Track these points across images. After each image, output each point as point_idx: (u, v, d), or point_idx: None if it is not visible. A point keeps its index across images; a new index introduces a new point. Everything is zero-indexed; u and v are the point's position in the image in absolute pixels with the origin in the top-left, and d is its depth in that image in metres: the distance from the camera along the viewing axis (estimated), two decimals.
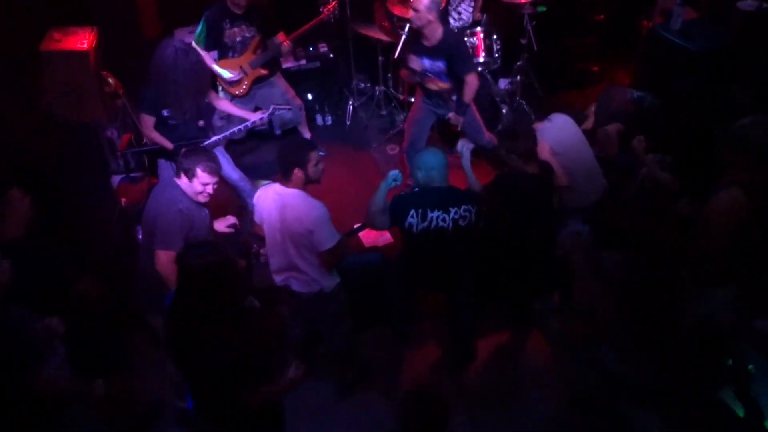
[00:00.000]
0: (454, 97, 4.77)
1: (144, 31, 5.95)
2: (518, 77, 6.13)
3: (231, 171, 4.76)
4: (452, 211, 3.57)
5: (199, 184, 3.44)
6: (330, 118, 6.34)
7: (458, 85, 4.68)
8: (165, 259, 3.38)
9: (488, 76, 5.88)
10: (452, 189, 3.68)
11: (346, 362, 4.02)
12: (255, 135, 5.95)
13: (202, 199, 3.52)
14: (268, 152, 5.91)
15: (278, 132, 5.91)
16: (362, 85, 6.48)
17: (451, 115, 4.78)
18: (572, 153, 4.24)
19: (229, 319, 2.63)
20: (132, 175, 5.30)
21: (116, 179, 5.24)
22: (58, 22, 5.04)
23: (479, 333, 4.28)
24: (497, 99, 5.80)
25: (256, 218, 3.62)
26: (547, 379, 4.05)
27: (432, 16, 4.42)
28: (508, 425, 3.82)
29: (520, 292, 4.29)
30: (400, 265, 3.91)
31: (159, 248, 3.41)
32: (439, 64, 4.61)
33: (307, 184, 3.49)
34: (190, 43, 4.46)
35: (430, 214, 3.57)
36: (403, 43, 4.79)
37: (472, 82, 4.64)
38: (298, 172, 3.41)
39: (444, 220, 3.58)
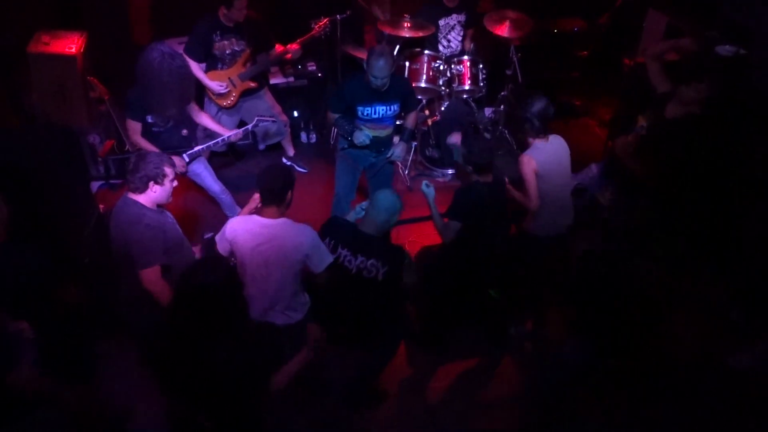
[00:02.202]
0: (395, 139, 4.70)
1: (135, 38, 5.98)
2: (502, 107, 6.24)
3: (212, 183, 4.75)
4: (359, 258, 3.53)
5: (169, 182, 3.42)
6: (314, 136, 6.38)
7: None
8: (151, 276, 3.33)
9: (473, 104, 5.98)
10: (373, 239, 3.59)
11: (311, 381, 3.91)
12: (237, 150, 5.96)
13: (169, 198, 3.49)
14: (251, 166, 5.92)
15: (261, 147, 5.93)
16: None
17: (398, 151, 4.63)
18: (553, 179, 4.24)
19: (236, 330, 2.62)
20: (112, 181, 5.27)
21: (95, 185, 5.20)
22: (49, 24, 5.05)
23: (452, 356, 4.32)
24: (480, 127, 5.87)
25: (223, 251, 3.49)
26: (519, 403, 4.07)
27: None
28: None
29: (494, 315, 4.33)
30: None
31: (142, 269, 3.33)
32: (394, 107, 4.45)
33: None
34: (176, 50, 4.48)
35: (340, 250, 3.57)
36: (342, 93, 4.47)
37: (416, 112, 4.70)
38: (289, 195, 3.44)
39: (350, 262, 3.55)
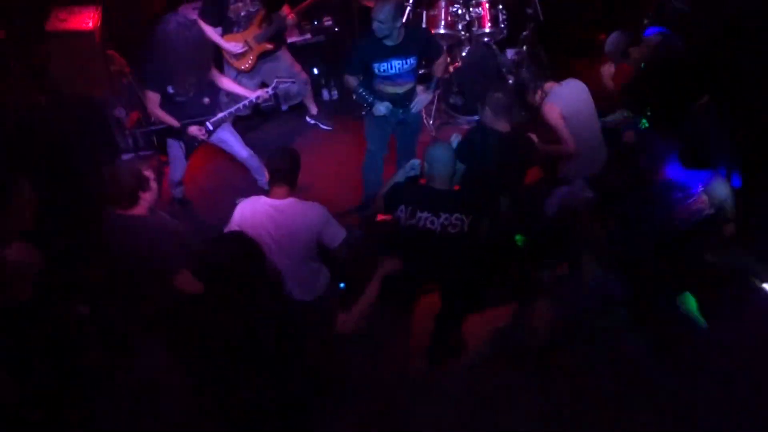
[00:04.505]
0: (419, 87, 4.57)
1: (147, 7, 5.94)
2: (524, 47, 6.08)
3: (240, 149, 4.77)
4: (443, 216, 3.51)
5: (153, 182, 3.35)
6: (336, 92, 6.33)
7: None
8: (185, 280, 3.34)
9: (494, 47, 5.85)
10: (451, 194, 3.59)
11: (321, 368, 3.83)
12: (261, 112, 5.96)
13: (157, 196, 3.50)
14: (275, 128, 5.92)
15: (284, 108, 5.91)
16: None
17: (422, 97, 4.54)
18: (581, 120, 4.21)
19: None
20: (141, 153, 5.34)
21: (125, 157, 5.28)
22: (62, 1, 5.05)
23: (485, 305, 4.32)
24: (503, 69, 5.77)
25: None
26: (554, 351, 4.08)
27: (399, 23, 4.10)
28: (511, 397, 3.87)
29: (524, 262, 4.31)
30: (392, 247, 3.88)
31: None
32: (411, 61, 4.30)
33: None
34: (193, 18, 4.45)
35: (419, 214, 3.53)
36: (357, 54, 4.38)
37: (444, 59, 4.58)
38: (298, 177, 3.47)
39: (432, 222, 3.52)
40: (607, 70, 4.64)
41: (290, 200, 3.42)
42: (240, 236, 2.79)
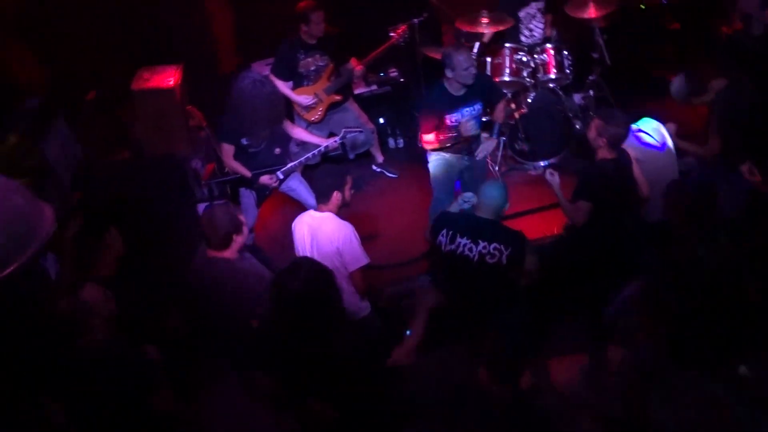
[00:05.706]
0: (484, 135, 4.68)
1: (223, 66, 6.28)
2: (591, 91, 6.03)
3: (308, 197, 4.89)
4: (481, 244, 3.51)
5: (245, 227, 3.50)
6: (402, 140, 6.43)
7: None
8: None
9: (560, 92, 5.83)
10: (492, 223, 3.59)
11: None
12: (329, 160, 6.11)
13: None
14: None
15: (351, 156, 6.04)
16: None
17: (487, 144, 4.61)
18: (656, 163, 4.10)
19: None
20: (216, 202, 5.54)
21: (201, 207, 5.49)
22: (146, 60, 5.40)
23: (555, 351, 4.20)
24: (570, 114, 5.73)
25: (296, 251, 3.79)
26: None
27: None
28: None
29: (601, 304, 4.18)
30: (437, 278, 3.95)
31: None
32: (477, 107, 4.43)
33: (342, 207, 3.70)
34: (266, 75, 4.67)
35: (458, 239, 3.56)
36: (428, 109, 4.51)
37: (504, 103, 4.70)
38: (336, 195, 3.63)
39: (471, 249, 3.53)
40: (672, 128, 4.51)
41: (327, 214, 3.65)
42: (309, 261, 2.91)
